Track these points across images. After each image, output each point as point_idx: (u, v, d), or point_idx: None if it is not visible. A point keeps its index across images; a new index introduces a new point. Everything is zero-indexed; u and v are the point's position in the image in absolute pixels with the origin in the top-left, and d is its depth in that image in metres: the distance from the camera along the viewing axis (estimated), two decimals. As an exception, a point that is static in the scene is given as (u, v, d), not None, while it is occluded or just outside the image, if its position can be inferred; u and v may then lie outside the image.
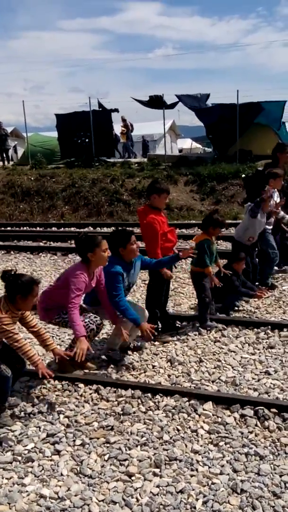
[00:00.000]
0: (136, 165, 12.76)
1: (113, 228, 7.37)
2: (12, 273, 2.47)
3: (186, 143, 25.18)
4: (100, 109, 13.86)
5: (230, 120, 12.01)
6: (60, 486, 2.06)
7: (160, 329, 3.61)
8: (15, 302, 2.43)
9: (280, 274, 4.96)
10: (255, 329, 3.64)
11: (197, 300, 3.81)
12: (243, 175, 10.05)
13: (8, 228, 9.59)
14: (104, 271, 3.06)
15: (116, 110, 13.90)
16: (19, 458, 2.25)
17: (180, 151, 21.33)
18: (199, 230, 8.39)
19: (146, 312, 3.30)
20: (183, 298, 4.55)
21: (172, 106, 13.91)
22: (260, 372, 2.99)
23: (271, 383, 2.84)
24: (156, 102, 13.77)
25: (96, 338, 3.30)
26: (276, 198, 4.52)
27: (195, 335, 3.58)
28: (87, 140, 13.44)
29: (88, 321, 2.93)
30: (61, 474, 2.13)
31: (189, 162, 12.52)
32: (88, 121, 13.18)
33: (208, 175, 11.18)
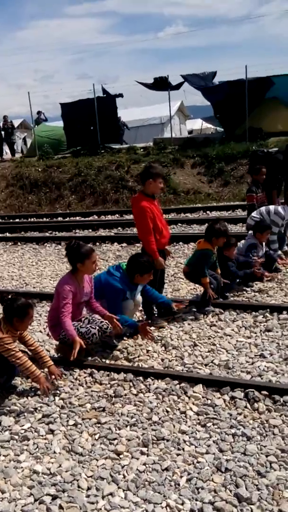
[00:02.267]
0: (142, 150, 12.60)
1: (121, 227, 7.34)
2: (10, 297, 2.70)
3: (197, 124, 24.37)
4: (105, 95, 13.66)
5: (239, 97, 11.57)
6: (52, 463, 2.17)
7: (156, 315, 3.65)
8: (12, 323, 2.64)
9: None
10: (254, 313, 3.62)
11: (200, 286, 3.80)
12: (254, 148, 9.47)
13: (17, 220, 9.78)
14: (108, 284, 3.15)
15: (121, 95, 13.64)
16: (16, 436, 2.38)
17: (190, 132, 20.70)
18: (205, 213, 8.27)
19: (141, 298, 3.33)
20: (182, 283, 4.55)
21: (178, 87, 13.54)
22: (255, 355, 2.99)
23: (265, 366, 2.84)
24: (161, 84, 13.42)
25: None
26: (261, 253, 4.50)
27: (191, 319, 3.60)
28: (91, 127, 13.30)
29: (90, 326, 3.01)
30: (54, 452, 2.24)
31: (197, 143, 12.24)
32: (92, 108, 13.03)
33: (216, 156, 10.91)
